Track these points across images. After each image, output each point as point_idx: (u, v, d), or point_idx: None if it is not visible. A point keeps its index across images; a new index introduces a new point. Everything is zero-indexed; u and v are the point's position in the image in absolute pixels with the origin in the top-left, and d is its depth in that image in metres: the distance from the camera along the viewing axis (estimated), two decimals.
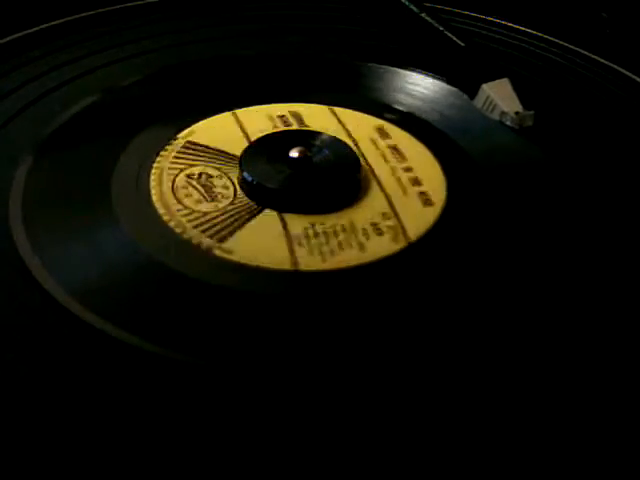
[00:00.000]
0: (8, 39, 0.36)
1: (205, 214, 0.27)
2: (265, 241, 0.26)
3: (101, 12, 0.39)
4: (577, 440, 0.21)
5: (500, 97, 0.32)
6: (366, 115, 0.32)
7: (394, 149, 0.30)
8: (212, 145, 0.30)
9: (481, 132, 0.32)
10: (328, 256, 0.25)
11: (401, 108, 0.33)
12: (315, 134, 0.30)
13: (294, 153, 0.28)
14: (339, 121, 0.31)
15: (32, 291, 0.24)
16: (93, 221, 0.27)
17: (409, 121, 0.32)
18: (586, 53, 0.37)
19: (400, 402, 0.22)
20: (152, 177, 0.28)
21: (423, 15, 0.37)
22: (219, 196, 0.27)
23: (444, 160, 0.30)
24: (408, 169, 0.29)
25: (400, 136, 0.31)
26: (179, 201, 0.27)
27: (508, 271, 0.26)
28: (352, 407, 0.21)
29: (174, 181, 0.28)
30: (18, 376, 0.22)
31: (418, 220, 0.27)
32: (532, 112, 0.31)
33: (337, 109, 0.32)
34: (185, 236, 0.26)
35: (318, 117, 0.32)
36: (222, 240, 0.26)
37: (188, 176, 0.28)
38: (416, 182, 0.29)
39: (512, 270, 0.26)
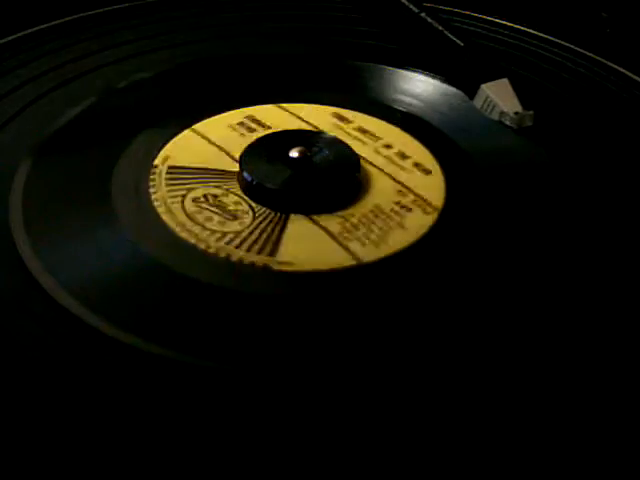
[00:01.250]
0: (8, 39, 0.36)
1: (238, 233, 0.26)
2: (315, 245, 0.26)
3: (101, 12, 0.39)
4: (577, 440, 0.21)
5: (499, 97, 0.32)
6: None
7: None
8: (195, 165, 0.29)
9: (480, 132, 0.32)
10: (380, 243, 0.26)
11: (401, 108, 0.33)
12: (315, 134, 0.30)
13: (294, 153, 0.28)
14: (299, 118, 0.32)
15: (33, 292, 0.24)
16: (93, 222, 0.27)
17: (409, 121, 0.32)
18: (586, 53, 0.37)
19: (410, 403, 0.22)
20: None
21: (423, 15, 0.37)
22: (239, 213, 0.27)
23: (443, 160, 0.30)
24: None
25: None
26: (201, 225, 0.26)
27: (510, 269, 0.26)
28: (355, 410, 0.22)
29: (184, 207, 0.27)
30: (18, 378, 0.22)
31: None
32: (531, 112, 0.31)
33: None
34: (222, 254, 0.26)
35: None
36: (273, 254, 0.25)
37: (194, 200, 0.28)
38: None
39: (513, 268, 0.26)
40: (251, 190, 0.28)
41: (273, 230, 0.26)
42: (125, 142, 0.30)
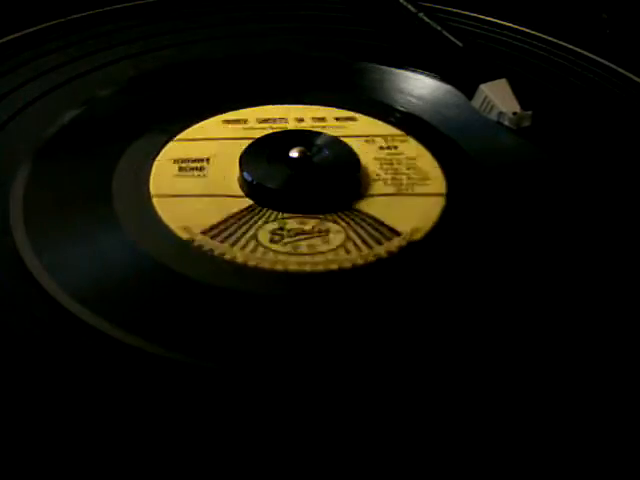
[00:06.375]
0: (8, 38, 0.36)
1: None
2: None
3: (101, 12, 0.39)
4: (577, 440, 0.21)
5: (498, 97, 0.32)
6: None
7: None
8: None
9: (479, 132, 0.32)
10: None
11: (400, 108, 0.33)
12: (315, 134, 0.30)
13: (294, 153, 0.28)
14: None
15: (33, 292, 0.24)
16: (94, 222, 0.27)
17: (407, 121, 0.32)
18: (586, 53, 0.37)
19: (408, 405, 0.22)
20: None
21: (421, 15, 0.37)
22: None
23: (443, 160, 0.30)
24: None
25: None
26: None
27: (509, 267, 0.26)
28: (353, 410, 0.22)
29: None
30: (18, 378, 0.22)
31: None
32: (530, 112, 0.32)
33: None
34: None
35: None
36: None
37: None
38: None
39: (513, 267, 0.26)
40: (251, 190, 0.28)
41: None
42: (126, 142, 0.30)
